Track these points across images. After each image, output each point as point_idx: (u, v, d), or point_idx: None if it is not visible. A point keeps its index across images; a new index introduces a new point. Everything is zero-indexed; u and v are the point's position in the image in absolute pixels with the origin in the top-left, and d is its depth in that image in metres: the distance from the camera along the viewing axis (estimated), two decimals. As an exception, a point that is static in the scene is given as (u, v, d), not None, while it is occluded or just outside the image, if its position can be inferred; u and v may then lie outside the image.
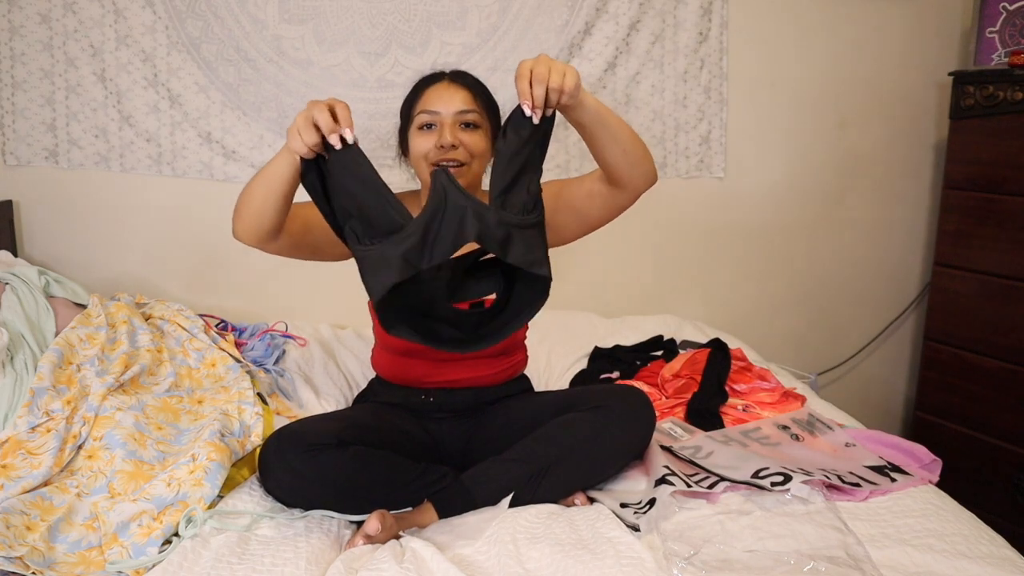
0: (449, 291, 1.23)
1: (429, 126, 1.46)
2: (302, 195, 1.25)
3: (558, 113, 1.25)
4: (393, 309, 1.17)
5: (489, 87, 1.53)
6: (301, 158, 1.15)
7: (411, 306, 1.20)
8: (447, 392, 1.54)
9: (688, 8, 2.24)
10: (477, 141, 1.46)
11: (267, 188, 1.25)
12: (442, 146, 1.43)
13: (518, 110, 1.19)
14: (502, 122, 1.33)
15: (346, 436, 1.36)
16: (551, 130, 1.23)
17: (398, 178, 1.69)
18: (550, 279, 1.18)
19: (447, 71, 1.53)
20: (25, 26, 2.02)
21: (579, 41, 2.19)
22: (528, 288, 1.21)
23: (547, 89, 1.16)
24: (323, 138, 1.13)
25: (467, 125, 1.46)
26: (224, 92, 2.10)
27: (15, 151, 2.08)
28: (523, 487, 1.34)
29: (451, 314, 1.24)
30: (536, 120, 1.18)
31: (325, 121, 1.12)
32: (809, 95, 2.39)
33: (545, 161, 1.27)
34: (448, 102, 1.46)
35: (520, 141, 1.17)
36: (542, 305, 1.20)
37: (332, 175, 1.15)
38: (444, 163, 1.43)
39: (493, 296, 1.26)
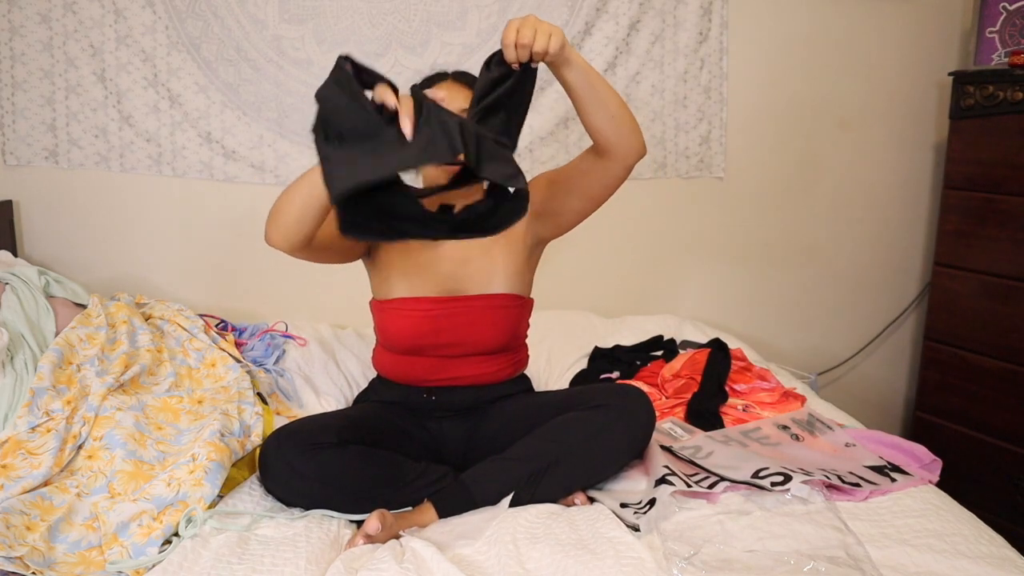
0: (418, 192, 1.21)
1: None
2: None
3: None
4: (355, 214, 1.12)
5: (490, 87, 1.53)
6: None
7: (376, 209, 1.15)
8: (448, 391, 1.54)
9: (688, 8, 2.24)
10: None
11: (310, 193, 1.24)
12: None
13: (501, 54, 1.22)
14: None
15: (346, 435, 1.36)
16: (534, 81, 1.26)
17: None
18: (527, 193, 1.15)
19: (449, 71, 1.53)
20: (25, 26, 2.02)
21: (579, 41, 2.19)
22: (507, 200, 1.18)
23: (531, 52, 1.19)
24: None
25: None
26: (224, 92, 2.10)
27: (15, 151, 2.08)
28: (523, 486, 1.35)
29: (419, 214, 1.17)
30: (516, 68, 1.21)
31: None
32: (809, 95, 2.38)
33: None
34: (451, 102, 1.44)
35: (501, 76, 1.21)
36: (519, 218, 1.17)
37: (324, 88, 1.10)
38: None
39: (461, 203, 1.22)
